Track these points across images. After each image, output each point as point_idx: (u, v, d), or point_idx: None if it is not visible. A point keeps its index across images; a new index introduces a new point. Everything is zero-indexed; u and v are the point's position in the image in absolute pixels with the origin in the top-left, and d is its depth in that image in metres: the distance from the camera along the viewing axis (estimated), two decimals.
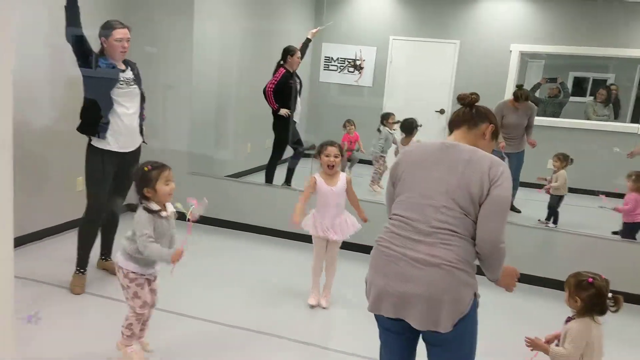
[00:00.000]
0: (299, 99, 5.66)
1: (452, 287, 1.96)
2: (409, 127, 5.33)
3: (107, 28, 3.59)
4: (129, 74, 3.69)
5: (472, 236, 2.03)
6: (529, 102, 5.37)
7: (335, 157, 3.51)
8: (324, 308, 3.74)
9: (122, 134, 3.65)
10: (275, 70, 5.54)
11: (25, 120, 4.29)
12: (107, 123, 3.59)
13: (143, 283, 2.74)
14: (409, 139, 5.29)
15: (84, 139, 3.70)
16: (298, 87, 5.64)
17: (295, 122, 5.64)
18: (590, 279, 2.27)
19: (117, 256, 2.74)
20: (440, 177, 2.06)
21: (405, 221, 2.07)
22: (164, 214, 2.68)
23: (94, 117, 3.59)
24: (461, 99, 2.26)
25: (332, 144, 3.56)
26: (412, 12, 7.05)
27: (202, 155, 5.61)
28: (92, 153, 3.66)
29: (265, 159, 5.76)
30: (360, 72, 6.76)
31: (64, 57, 4.55)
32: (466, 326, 2.03)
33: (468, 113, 2.22)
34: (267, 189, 5.36)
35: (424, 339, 2.13)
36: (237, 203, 5.24)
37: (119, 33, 3.58)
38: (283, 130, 5.60)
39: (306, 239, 4.67)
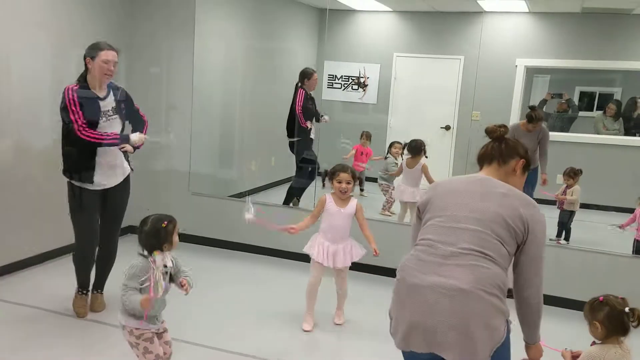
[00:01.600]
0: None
1: (484, 314, 1.85)
2: (416, 148, 5.27)
3: (94, 49, 3.35)
4: (109, 103, 3.44)
5: (504, 266, 1.94)
6: (542, 124, 5.22)
7: (348, 183, 3.50)
8: (338, 324, 3.70)
9: (105, 173, 3.48)
10: (295, 92, 5.63)
11: (26, 142, 4.25)
12: (94, 167, 3.42)
13: (151, 337, 2.60)
14: (416, 159, 5.21)
15: None
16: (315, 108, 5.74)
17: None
18: (601, 298, 2.17)
19: (118, 315, 2.61)
20: (474, 205, 2.00)
21: (432, 244, 1.97)
22: (169, 263, 2.55)
23: (80, 164, 3.43)
24: (490, 132, 2.20)
25: (344, 169, 3.54)
26: (415, 29, 7.03)
27: (205, 175, 5.55)
28: (75, 190, 3.49)
29: (270, 178, 5.69)
30: (364, 90, 6.72)
31: (65, 77, 4.55)
32: (502, 355, 1.91)
33: (497, 148, 2.16)
34: (276, 210, 5.25)
35: None
36: (240, 223, 5.14)
37: (107, 55, 3.34)
38: (306, 149, 5.68)
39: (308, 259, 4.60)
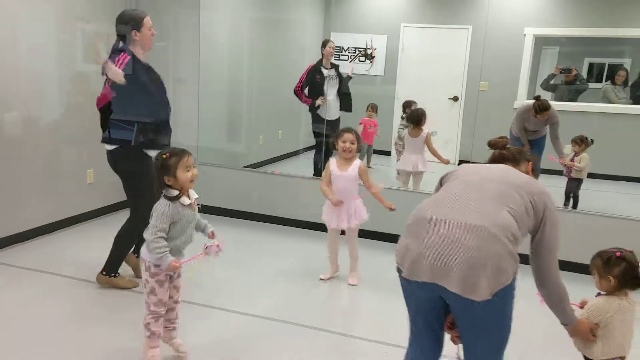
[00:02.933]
0: (332, 91, 5.71)
1: (499, 253, 1.86)
2: (417, 118, 5.21)
3: (135, 19, 3.34)
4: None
5: (521, 225, 1.99)
6: (550, 111, 5.14)
7: (352, 143, 3.60)
8: (352, 285, 3.80)
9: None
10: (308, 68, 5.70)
11: (33, 116, 4.26)
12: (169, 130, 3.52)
13: (164, 280, 2.64)
14: (418, 130, 5.16)
15: (93, 132, 3.63)
16: (332, 80, 5.68)
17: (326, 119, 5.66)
18: (618, 253, 2.18)
19: (142, 249, 2.67)
20: (501, 176, 2.11)
21: (453, 193, 2.07)
22: (186, 201, 2.61)
23: (159, 131, 3.46)
24: (492, 145, 2.40)
25: (348, 130, 3.66)
26: None
27: (212, 148, 5.56)
28: (147, 160, 3.33)
29: (277, 151, 5.68)
30: (371, 61, 6.66)
31: (71, 51, 4.56)
32: (504, 300, 1.92)
33: (508, 152, 2.34)
34: (287, 180, 5.27)
35: (455, 318, 2.01)
36: (248, 193, 5.20)
37: (149, 21, 3.38)
38: (317, 122, 5.73)
39: (322, 227, 4.63)
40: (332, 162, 3.68)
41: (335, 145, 3.66)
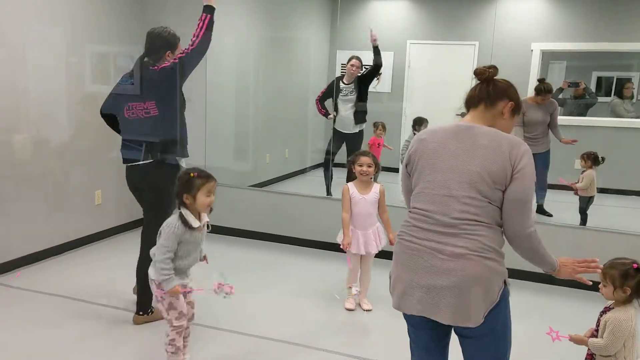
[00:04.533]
0: (345, 106, 5.74)
1: (483, 276, 1.85)
2: (418, 122, 5.33)
3: (172, 40, 3.45)
4: None
5: (497, 223, 1.92)
6: (551, 97, 5.23)
7: (369, 166, 3.58)
8: (368, 310, 3.74)
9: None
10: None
11: (42, 137, 4.29)
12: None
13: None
14: None
15: (102, 153, 3.63)
16: (349, 95, 5.74)
17: (343, 132, 5.73)
18: (635, 265, 2.20)
19: (149, 269, 2.67)
20: (458, 165, 1.92)
21: (426, 214, 1.96)
22: (196, 224, 2.61)
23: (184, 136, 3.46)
24: (478, 74, 2.07)
25: (365, 154, 3.64)
26: (428, 15, 6.95)
27: (220, 168, 5.55)
28: (174, 172, 3.04)
29: (284, 170, 5.66)
30: (378, 78, 6.65)
31: (80, 73, 4.59)
32: (498, 317, 1.91)
33: (484, 89, 2.04)
34: (295, 199, 5.25)
35: (455, 332, 2.02)
36: (254, 212, 5.18)
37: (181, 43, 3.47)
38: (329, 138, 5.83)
39: (335, 247, 4.60)
40: (351, 187, 3.64)
41: (353, 169, 3.63)
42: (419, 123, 5.85)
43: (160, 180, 3.24)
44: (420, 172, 2.02)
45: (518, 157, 1.89)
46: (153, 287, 2.66)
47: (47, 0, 4.23)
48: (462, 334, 1.98)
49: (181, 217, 2.58)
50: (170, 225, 2.57)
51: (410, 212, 2.05)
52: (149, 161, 3.25)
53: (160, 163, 3.26)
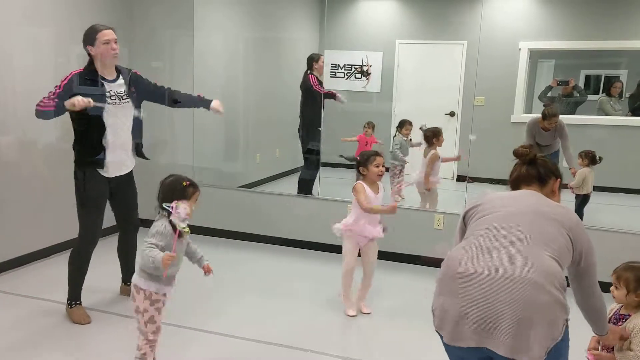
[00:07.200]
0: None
1: (547, 305, 1.72)
2: (430, 138, 5.22)
3: (90, 34, 3.22)
4: (118, 86, 3.33)
5: (562, 265, 1.87)
6: (558, 119, 5.13)
7: (383, 166, 3.65)
8: (367, 314, 3.71)
9: (116, 160, 3.37)
10: (305, 78, 5.62)
11: (30, 138, 4.26)
12: (104, 152, 3.29)
13: (161, 307, 2.63)
14: (431, 150, 5.16)
15: None
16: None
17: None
18: None
19: (135, 278, 2.62)
20: (530, 223, 1.89)
21: (489, 231, 1.88)
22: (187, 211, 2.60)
23: (90, 150, 3.31)
24: (520, 155, 2.13)
25: (378, 154, 3.67)
26: (417, 15, 6.97)
27: (208, 167, 5.54)
28: (83, 178, 3.35)
29: (275, 169, 5.63)
30: (367, 78, 6.68)
31: (66, 73, 4.55)
32: (559, 353, 1.79)
33: (534, 170, 2.10)
34: (285, 199, 5.24)
35: None
36: (244, 213, 5.17)
37: (105, 35, 3.20)
38: (312, 138, 5.63)
39: (327, 248, 4.60)
40: (365, 186, 3.62)
41: (363, 170, 3.61)
42: (402, 126, 5.87)
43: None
44: (482, 211, 2.04)
45: (583, 238, 1.96)
46: (139, 297, 2.60)
47: (33, 1, 4.20)
48: None
49: (170, 223, 2.56)
50: (160, 223, 2.57)
51: (464, 239, 2.04)
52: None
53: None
